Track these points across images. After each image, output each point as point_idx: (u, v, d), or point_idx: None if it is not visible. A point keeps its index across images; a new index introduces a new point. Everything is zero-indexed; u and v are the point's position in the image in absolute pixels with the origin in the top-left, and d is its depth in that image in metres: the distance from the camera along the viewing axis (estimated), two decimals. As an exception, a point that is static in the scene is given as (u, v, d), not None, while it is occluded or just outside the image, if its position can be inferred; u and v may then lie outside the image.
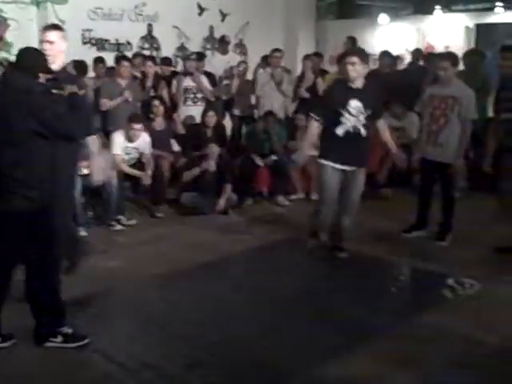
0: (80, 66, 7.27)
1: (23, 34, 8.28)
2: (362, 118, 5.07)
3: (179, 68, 9.72)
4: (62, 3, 8.58)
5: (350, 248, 5.46)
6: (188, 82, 8.01)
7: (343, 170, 5.17)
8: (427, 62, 8.64)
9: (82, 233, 5.77)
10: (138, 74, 8.07)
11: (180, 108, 8.03)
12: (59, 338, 3.74)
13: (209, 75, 8.36)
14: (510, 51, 6.02)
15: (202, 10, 10.32)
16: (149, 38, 9.76)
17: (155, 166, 6.73)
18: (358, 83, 5.07)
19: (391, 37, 11.06)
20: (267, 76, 8.22)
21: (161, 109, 7.22)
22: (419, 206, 5.95)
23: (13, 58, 8.02)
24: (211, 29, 10.48)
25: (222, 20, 10.60)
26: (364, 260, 5.37)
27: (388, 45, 10.56)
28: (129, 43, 9.51)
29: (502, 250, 5.36)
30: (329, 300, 4.50)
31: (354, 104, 5.03)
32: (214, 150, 6.88)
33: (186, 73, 8.11)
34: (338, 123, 5.05)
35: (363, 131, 5.11)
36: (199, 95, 8.01)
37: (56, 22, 8.44)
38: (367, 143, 5.26)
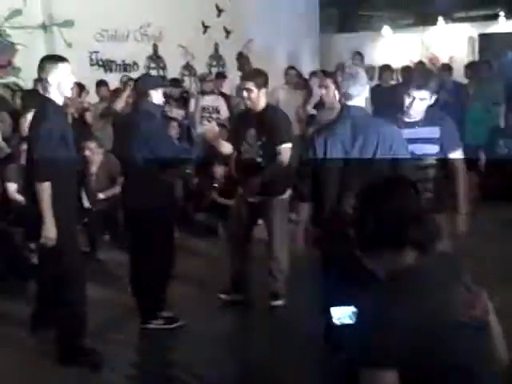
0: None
1: (31, 59, 8.28)
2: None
3: (187, 86, 9.75)
4: (68, 26, 8.57)
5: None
6: (205, 102, 8.08)
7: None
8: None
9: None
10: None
11: (197, 128, 8.05)
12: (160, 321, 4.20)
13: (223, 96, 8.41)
14: None
15: (206, 27, 10.34)
16: (155, 57, 9.77)
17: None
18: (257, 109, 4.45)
19: (394, 49, 11.08)
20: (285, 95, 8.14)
21: (174, 132, 7.04)
22: None
23: (21, 83, 8.16)
24: (216, 46, 10.52)
25: (227, 37, 10.63)
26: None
27: (391, 57, 10.63)
28: (135, 63, 9.52)
29: None
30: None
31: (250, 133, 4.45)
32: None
33: (204, 92, 8.18)
34: None
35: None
36: (214, 115, 8.03)
37: (63, 44, 8.53)
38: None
